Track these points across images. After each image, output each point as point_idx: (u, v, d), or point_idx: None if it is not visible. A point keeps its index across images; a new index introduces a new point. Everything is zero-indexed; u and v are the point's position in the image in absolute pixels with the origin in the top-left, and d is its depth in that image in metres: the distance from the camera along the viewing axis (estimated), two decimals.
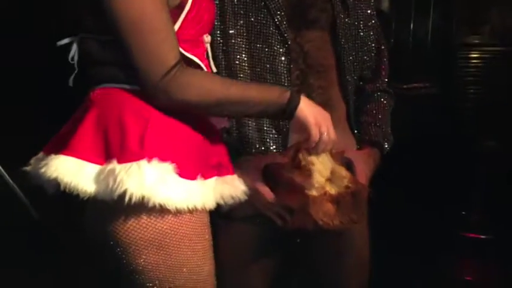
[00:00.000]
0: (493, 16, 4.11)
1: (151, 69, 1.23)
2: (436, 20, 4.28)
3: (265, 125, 1.71)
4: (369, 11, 1.85)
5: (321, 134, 1.40)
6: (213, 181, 1.34)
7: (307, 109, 1.37)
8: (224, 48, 1.69)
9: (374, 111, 1.84)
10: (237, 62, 1.69)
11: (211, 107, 1.30)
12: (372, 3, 1.87)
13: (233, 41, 1.68)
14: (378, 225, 1.86)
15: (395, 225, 3.02)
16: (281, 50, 1.69)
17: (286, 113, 1.36)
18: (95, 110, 1.29)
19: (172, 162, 1.25)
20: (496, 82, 3.87)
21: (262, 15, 1.68)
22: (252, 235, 1.74)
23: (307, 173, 1.50)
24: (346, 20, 1.77)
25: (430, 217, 3.32)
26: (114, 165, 1.22)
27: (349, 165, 1.67)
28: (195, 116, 1.33)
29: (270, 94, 1.34)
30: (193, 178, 1.29)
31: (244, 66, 1.69)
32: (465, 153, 3.66)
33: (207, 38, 1.43)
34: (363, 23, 1.83)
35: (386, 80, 1.90)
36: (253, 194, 1.57)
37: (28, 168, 1.34)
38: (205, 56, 1.42)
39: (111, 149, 1.24)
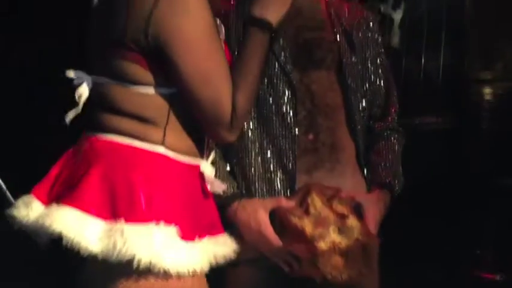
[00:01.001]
0: (505, 52, 4.10)
1: (220, 119, 1.30)
2: (447, 55, 4.27)
3: (271, 165, 1.67)
4: (377, 49, 1.84)
5: None
6: (206, 241, 1.33)
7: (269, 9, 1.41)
8: None
9: (384, 151, 1.81)
10: None
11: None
12: (379, 41, 1.86)
13: None
14: (389, 263, 1.81)
15: (407, 264, 2.97)
16: (286, 90, 1.68)
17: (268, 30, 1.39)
18: (102, 163, 1.27)
19: (175, 224, 1.25)
20: (510, 118, 3.83)
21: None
22: (259, 279, 1.70)
23: (316, 221, 1.47)
24: (353, 59, 1.76)
25: (443, 256, 3.25)
26: (122, 225, 1.21)
27: (358, 210, 1.63)
28: (189, 176, 1.34)
29: (258, 46, 1.37)
30: (192, 239, 1.29)
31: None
32: (479, 190, 3.60)
33: None
34: (370, 61, 1.82)
35: (396, 118, 1.87)
36: (259, 239, 1.56)
37: (15, 212, 1.31)
38: None
39: (118, 207, 1.23)
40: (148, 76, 1.30)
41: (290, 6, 1.71)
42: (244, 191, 1.69)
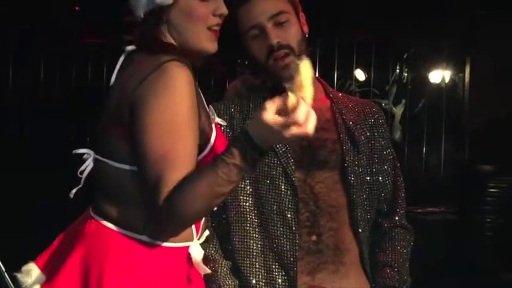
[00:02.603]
0: (506, 145, 4.13)
1: (156, 198, 1.25)
2: (448, 147, 4.32)
3: (273, 265, 1.66)
4: (383, 144, 1.81)
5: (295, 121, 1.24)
6: None
7: (264, 137, 1.25)
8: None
9: (390, 251, 1.76)
10: (244, 203, 1.68)
11: (205, 210, 1.31)
12: (386, 135, 1.84)
13: (241, 183, 1.65)
14: None
15: None
16: (288, 192, 1.67)
17: (257, 156, 1.26)
18: (84, 246, 1.32)
19: None
20: None
21: (269, 157, 1.68)
22: None
23: None
24: (357, 157, 1.74)
25: None
26: None
27: None
28: (174, 261, 1.34)
29: (237, 164, 1.25)
30: None
31: (251, 207, 1.67)
32: (482, 284, 3.50)
33: None
34: (377, 156, 1.79)
35: (404, 214, 1.83)
36: None
37: (20, 275, 1.35)
38: None
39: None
40: (129, 154, 1.31)
41: None
42: None
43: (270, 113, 1.22)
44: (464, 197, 4.04)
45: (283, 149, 1.68)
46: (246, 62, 4.68)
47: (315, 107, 1.77)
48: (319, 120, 1.75)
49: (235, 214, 1.67)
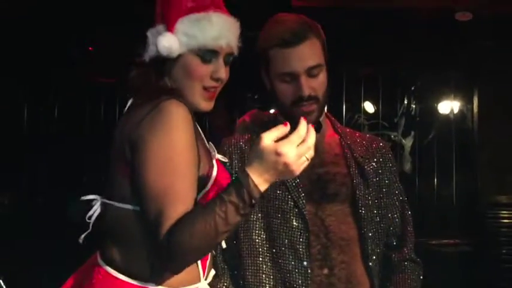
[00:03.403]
0: None
1: (158, 234, 1.25)
2: (459, 178, 4.29)
3: None
4: (391, 178, 1.83)
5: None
6: None
7: (262, 179, 1.27)
8: (243, 224, 1.68)
9: (401, 284, 1.76)
10: (256, 237, 1.68)
11: (204, 250, 1.31)
12: (394, 170, 1.86)
13: (253, 216, 1.69)
14: None
15: None
16: (300, 225, 1.67)
17: (253, 196, 1.27)
18: None
19: None
20: None
21: (280, 191, 1.69)
22: None
23: None
24: (366, 191, 1.75)
25: None
26: None
27: None
28: None
29: (235, 208, 1.26)
30: None
31: (264, 241, 1.68)
32: None
33: None
34: (385, 191, 1.81)
35: (412, 248, 1.83)
36: None
37: None
38: None
39: None
40: (134, 193, 1.32)
41: None
42: None
43: (268, 138, 1.24)
44: (478, 228, 4.00)
45: (294, 183, 1.69)
46: (256, 96, 4.71)
47: (325, 141, 1.80)
48: (328, 154, 1.78)
49: (247, 248, 1.67)
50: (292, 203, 1.68)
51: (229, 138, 1.80)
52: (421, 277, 1.81)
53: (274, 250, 1.66)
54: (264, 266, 1.66)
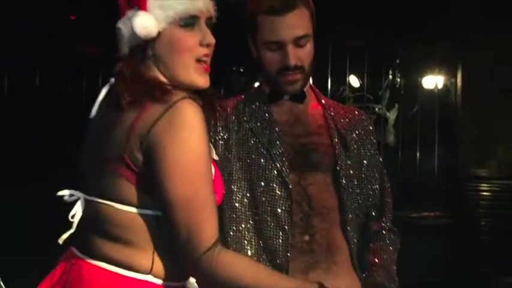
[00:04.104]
0: (499, 150, 4.16)
1: (194, 245, 1.24)
2: (441, 152, 4.34)
3: (266, 265, 1.66)
4: (372, 151, 1.87)
5: None
6: None
7: None
8: (226, 190, 1.69)
9: (379, 252, 1.80)
10: (239, 205, 1.71)
11: None
12: (374, 143, 1.89)
13: (236, 184, 1.71)
14: None
15: None
16: (283, 194, 1.70)
17: None
18: None
19: None
20: (508, 215, 3.82)
21: (264, 160, 1.71)
22: None
23: None
24: (348, 162, 1.79)
25: None
26: None
27: None
28: None
29: None
30: None
31: (246, 208, 1.70)
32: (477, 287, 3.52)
33: None
34: (366, 163, 1.84)
35: (391, 218, 1.88)
36: None
37: None
38: None
39: None
40: (138, 197, 1.28)
41: (290, 114, 1.79)
42: None
43: None
44: (459, 201, 4.07)
45: (278, 152, 1.72)
46: (242, 70, 4.69)
47: (309, 112, 1.82)
48: (312, 125, 1.81)
49: (230, 215, 1.70)
50: (275, 172, 1.70)
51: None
52: (398, 246, 1.85)
53: (256, 217, 1.69)
54: (246, 233, 1.69)
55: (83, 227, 1.33)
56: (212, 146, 1.42)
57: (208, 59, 1.37)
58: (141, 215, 1.27)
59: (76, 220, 1.33)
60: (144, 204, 1.27)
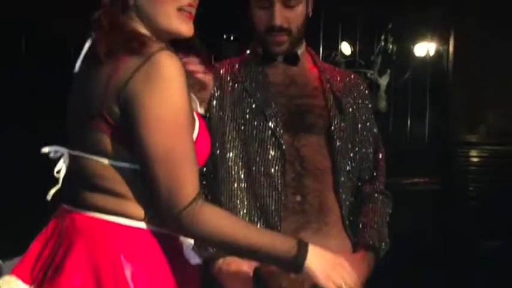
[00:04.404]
0: (488, 116, 4.19)
1: (173, 201, 1.23)
2: (432, 118, 4.36)
3: (258, 224, 1.69)
4: (366, 115, 1.88)
5: (338, 286, 1.33)
6: None
7: (315, 265, 1.32)
8: (220, 150, 1.72)
9: (370, 214, 1.82)
10: (233, 164, 1.72)
11: (221, 247, 1.33)
12: (369, 107, 1.90)
13: (229, 145, 1.72)
14: None
15: None
16: (276, 154, 1.71)
17: (293, 268, 1.33)
18: (84, 242, 1.25)
19: None
20: (496, 180, 3.87)
21: (259, 121, 1.72)
22: None
23: (296, 281, 1.47)
24: (342, 124, 1.80)
25: None
26: None
27: None
28: (171, 247, 1.32)
29: (281, 247, 1.31)
30: None
31: (240, 168, 1.71)
32: (468, 252, 3.59)
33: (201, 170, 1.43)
34: (360, 127, 1.85)
35: (383, 181, 1.90)
36: None
37: None
38: None
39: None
40: (121, 150, 1.26)
41: (285, 75, 1.80)
42: None
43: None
44: (448, 167, 4.11)
45: (272, 113, 1.73)
46: (232, 38, 4.65)
47: (305, 74, 1.83)
48: (308, 86, 1.82)
49: (223, 174, 1.71)
50: (270, 132, 1.71)
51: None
52: (390, 209, 1.88)
53: (249, 177, 1.71)
54: (239, 192, 1.70)
55: (72, 182, 1.33)
56: (195, 100, 1.40)
57: (192, 10, 1.33)
58: (125, 168, 1.27)
59: (61, 175, 1.33)
60: (126, 158, 1.26)
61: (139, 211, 1.28)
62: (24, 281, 1.26)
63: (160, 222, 1.27)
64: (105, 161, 1.27)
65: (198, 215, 1.23)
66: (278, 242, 1.31)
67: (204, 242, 1.30)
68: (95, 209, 1.27)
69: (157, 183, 1.22)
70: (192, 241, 1.36)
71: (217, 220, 1.27)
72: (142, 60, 1.21)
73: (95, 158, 1.28)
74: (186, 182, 1.23)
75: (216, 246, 1.33)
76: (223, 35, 4.52)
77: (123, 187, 1.27)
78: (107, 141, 1.26)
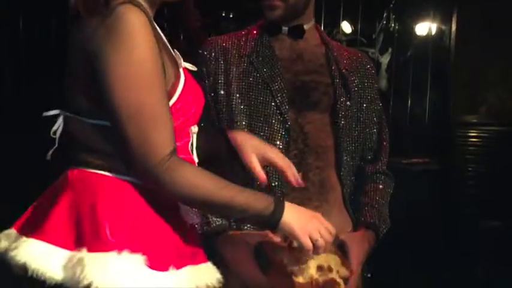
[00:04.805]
0: (489, 97, 4.18)
1: (146, 158, 1.22)
2: (433, 98, 4.35)
3: None
4: (372, 95, 1.87)
5: (314, 241, 1.34)
6: (186, 271, 1.30)
7: (292, 221, 1.33)
8: (229, 124, 1.71)
9: (372, 193, 1.83)
10: None
11: (196, 204, 1.31)
12: (375, 87, 1.89)
13: (235, 119, 1.71)
14: None
15: None
16: (281, 130, 1.71)
17: (270, 225, 1.33)
18: (70, 193, 1.27)
19: (144, 253, 1.22)
20: (495, 161, 3.87)
21: (264, 96, 1.71)
22: None
23: (298, 256, 1.47)
24: (347, 103, 1.79)
25: None
26: (83, 254, 1.20)
27: (342, 247, 1.64)
28: (168, 205, 1.31)
29: (256, 204, 1.30)
30: (164, 269, 1.25)
31: None
32: (467, 232, 3.60)
33: (194, 129, 1.42)
34: (365, 106, 1.84)
35: (386, 162, 1.90)
36: (244, 272, 1.58)
37: None
38: (188, 148, 1.40)
39: (83, 237, 1.22)
40: (97, 108, 1.26)
41: (292, 51, 1.79)
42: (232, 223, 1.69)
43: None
44: (448, 147, 4.11)
45: (278, 87, 1.72)
46: (231, 15, 4.61)
47: (311, 51, 1.82)
48: (313, 63, 1.81)
49: (227, 150, 1.69)
50: (275, 108, 1.71)
51: (214, 39, 1.81)
52: (391, 190, 1.88)
53: None
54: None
55: (66, 142, 1.35)
56: (179, 56, 1.36)
57: None
58: (104, 126, 1.27)
59: (57, 136, 1.34)
60: (103, 116, 1.26)
61: (125, 166, 1.28)
62: (19, 231, 1.29)
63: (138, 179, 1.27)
64: (85, 120, 1.28)
65: (172, 171, 1.22)
66: (254, 200, 1.30)
67: (179, 197, 1.28)
68: (85, 165, 1.29)
69: (128, 140, 1.21)
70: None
71: (192, 175, 1.25)
72: (104, 15, 1.19)
73: (76, 117, 1.29)
74: (158, 139, 1.21)
75: (191, 202, 1.29)
76: (221, 13, 4.48)
77: (106, 145, 1.27)
78: (83, 100, 1.27)
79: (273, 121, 1.71)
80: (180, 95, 1.31)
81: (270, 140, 1.70)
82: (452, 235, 3.58)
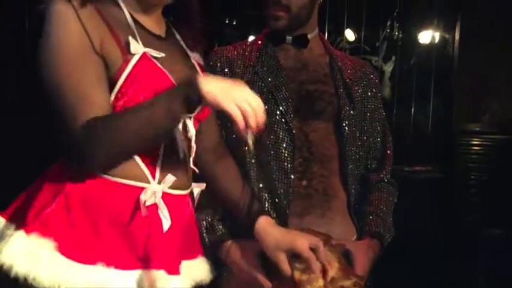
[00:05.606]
0: (492, 105, 4.18)
1: (66, 127, 1.28)
2: (436, 106, 4.35)
3: (266, 207, 1.70)
4: (376, 104, 1.88)
5: (243, 111, 1.26)
6: (135, 273, 1.32)
7: (212, 89, 1.26)
8: (233, 134, 1.70)
9: (376, 202, 1.83)
10: (244, 146, 1.68)
11: (125, 141, 1.29)
12: (379, 96, 1.90)
13: None
14: None
15: None
16: (285, 138, 1.72)
17: (193, 102, 1.28)
18: (44, 179, 1.37)
19: (64, 241, 1.27)
20: (498, 169, 3.87)
21: (269, 105, 1.72)
22: None
23: (305, 266, 1.47)
24: (352, 112, 1.80)
25: None
26: (11, 226, 1.32)
27: (347, 256, 1.65)
28: (119, 199, 1.33)
29: (174, 94, 1.29)
30: (88, 263, 1.28)
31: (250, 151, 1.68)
32: (469, 240, 3.60)
33: (192, 131, 1.40)
34: (369, 116, 1.86)
35: (390, 171, 1.90)
36: (250, 281, 1.58)
37: None
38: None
39: (24, 213, 1.32)
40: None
41: (296, 60, 1.80)
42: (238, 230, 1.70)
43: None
44: (451, 155, 4.11)
45: (283, 96, 1.73)
46: (234, 23, 4.62)
47: (315, 60, 1.83)
48: (318, 73, 1.82)
49: (234, 157, 1.69)
50: (279, 116, 1.72)
51: (220, 50, 1.83)
52: (396, 199, 1.89)
53: (260, 160, 1.71)
54: (252, 173, 1.70)
55: None
56: (134, 40, 1.36)
57: None
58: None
59: None
60: None
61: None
62: (7, 218, 1.37)
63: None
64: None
65: (88, 125, 1.26)
66: (170, 94, 1.29)
67: (110, 148, 1.27)
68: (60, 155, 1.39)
69: (54, 116, 1.29)
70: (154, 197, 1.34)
71: (107, 117, 1.28)
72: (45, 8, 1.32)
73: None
74: (71, 110, 1.27)
75: (121, 144, 1.29)
76: (225, 21, 4.50)
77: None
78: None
79: (278, 129, 1.72)
80: (126, 78, 1.33)
81: (275, 147, 1.71)
82: (454, 243, 3.57)
